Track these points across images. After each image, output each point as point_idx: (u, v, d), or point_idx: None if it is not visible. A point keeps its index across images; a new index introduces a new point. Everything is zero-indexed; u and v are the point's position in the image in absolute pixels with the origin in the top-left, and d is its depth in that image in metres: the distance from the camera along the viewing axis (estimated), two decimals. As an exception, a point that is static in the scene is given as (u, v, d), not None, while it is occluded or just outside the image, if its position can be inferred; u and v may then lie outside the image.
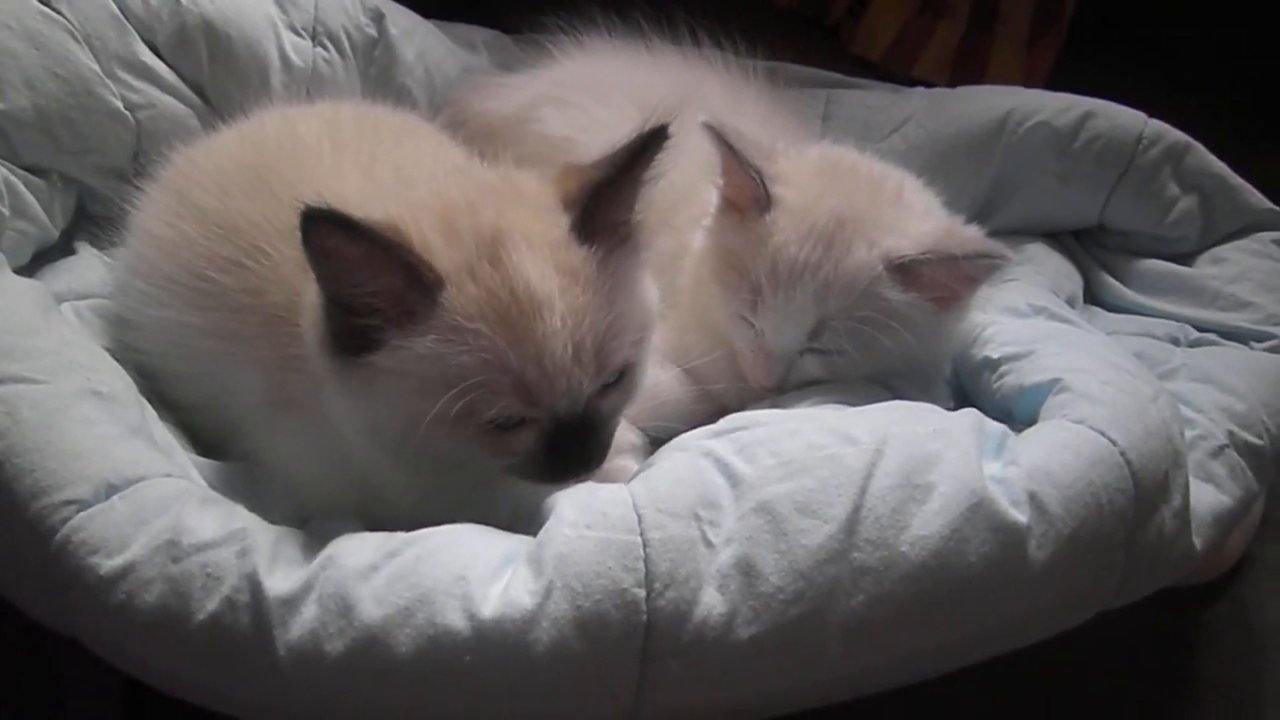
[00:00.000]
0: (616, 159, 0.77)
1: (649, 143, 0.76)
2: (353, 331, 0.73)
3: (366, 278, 0.71)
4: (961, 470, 0.76)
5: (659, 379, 0.99)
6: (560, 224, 0.76)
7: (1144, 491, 0.81)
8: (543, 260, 0.74)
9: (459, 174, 0.84)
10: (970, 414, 0.85)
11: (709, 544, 0.72)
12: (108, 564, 0.69)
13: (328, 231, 0.69)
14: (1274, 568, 1.15)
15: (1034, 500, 0.77)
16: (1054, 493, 0.77)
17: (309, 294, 0.77)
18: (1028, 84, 1.77)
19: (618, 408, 0.81)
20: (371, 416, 0.76)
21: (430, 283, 0.72)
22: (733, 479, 0.75)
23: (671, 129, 0.76)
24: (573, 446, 0.76)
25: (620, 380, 0.78)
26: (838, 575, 0.71)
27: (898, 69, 1.85)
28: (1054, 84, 1.76)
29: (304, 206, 0.68)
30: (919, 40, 1.86)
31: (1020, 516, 0.75)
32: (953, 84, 1.74)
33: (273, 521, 0.77)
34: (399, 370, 0.72)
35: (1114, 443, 0.81)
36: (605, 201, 0.77)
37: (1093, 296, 1.22)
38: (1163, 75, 1.71)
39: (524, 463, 0.77)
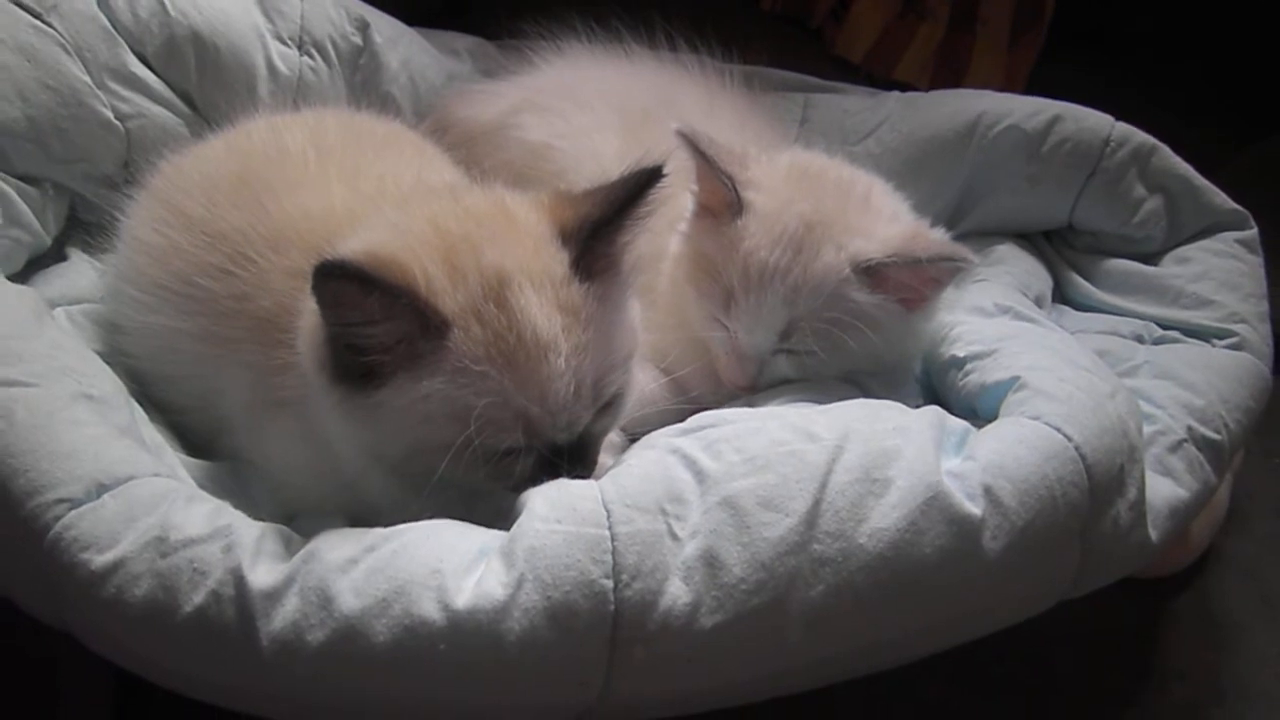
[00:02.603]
0: (613, 196, 0.79)
1: (646, 182, 0.79)
2: (358, 367, 0.75)
3: (375, 323, 0.73)
4: (919, 465, 0.79)
5: (638, 379, 1.02)
6: (560, 260, 0.79)
7: (1098, 485, 0.83)
8: (547, 301, 0.76)
9: (451, 199, 0.84)
10: (930, 411, 0.88)
11: (675, 537, 0.74)
12: (99, 560, 0.71)
13: (340, 284, 0.71)
14: (1238, 560, 1.18)
15: (989, 493, 0.79)
16: (1008, 486, 0.80)
17: (308, 318, 0.79)
18: (1008, 84, 1.81)
19: (608, 427, 0.85)
20: (372, 442, 0.79)
21: (437, 326, 0.74)
22: (699, 475, 0.78)
23: (666, 169, 0.79)
24: (566, 466, 0.79)
25: (610, 402, 0.82)
26: (798, 566, 0.74)
27: (880, 70, 1.88)
28: (1034, 85, 1.80)
29: (318, 261, 0.69)
30: (900, 42, 1.89)
31: (975, 509, 0.78)
32: (934, 85, 1.78)
33: (260, 519, 0.79)
34: (404, 406, 0.75)
35: (1069, 438, 0.84)
36: (602, 239, 0.80)
37: (1062, 295, 1.24)
38: (1139, 76, 1.75)
39: (519, 483, 0.79)
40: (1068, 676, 1.06)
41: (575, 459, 0.79)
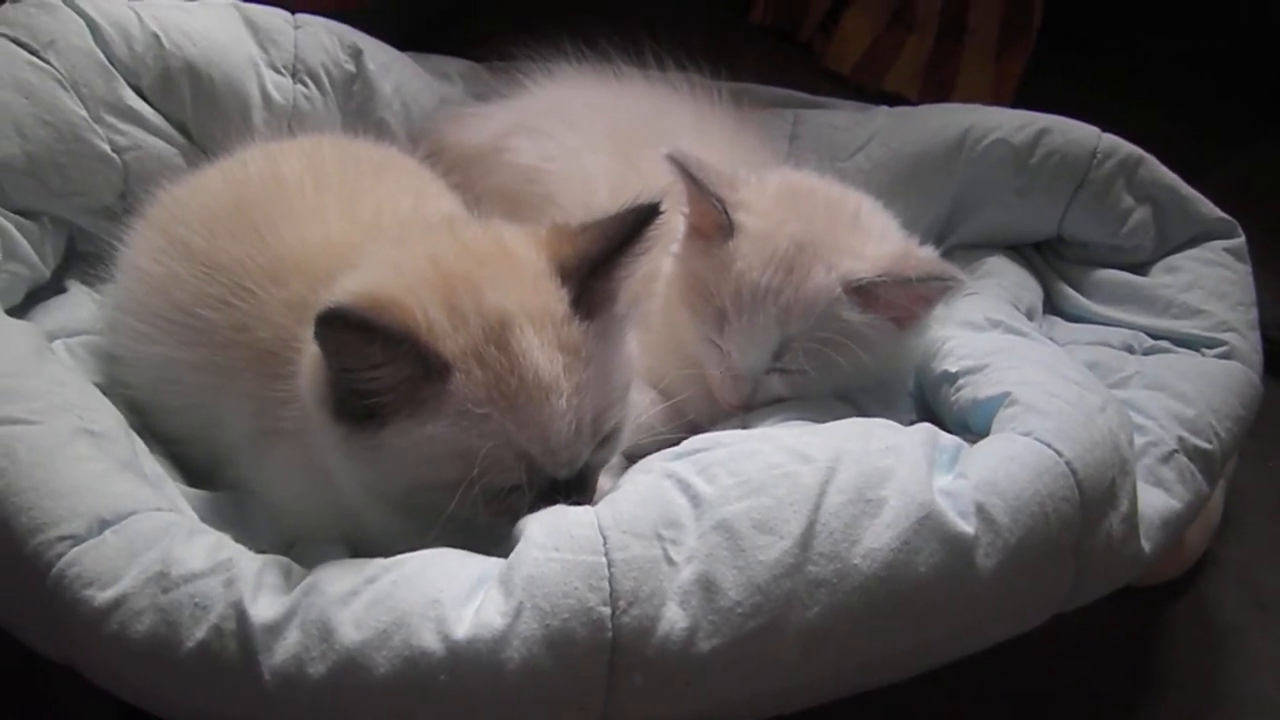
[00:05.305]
0: (611, 232, 0.80)
1: (644, 219, 0.79)
2: (360, 409, 0.75)
3: (377, 367, 0.73)
4: (911, 484, 0.80)
5: (634, 400, 1.02)
6: (560, 298, 0.79)
7: (1090, 499, 0.84)
8: (548, 342, 0.77)
9: (450, 235, 0.85)
10: (923, 429, 0.89)
11: (671, 562, 0.75)
12: (101, 596, 0.72)
13: (342, 332, 0.71)
14: (1233, 566, 1.19)
15: (981, 511, 0.80)
16: (1000, 503, 0.81)
17: (308, 357, 0.79)
18: (997, 94, 1.83)
19: (606, 459, 0.86)
20: (373, 480, 0.79)
21: (439, 369, 0.74)
22: (694, 499, 0.79)
23: (663, 206, 0.80)
24: (564, 498, 0.79)
25: (609, 435, 0.83)
26: (794, 588, 0.75)
27: (869, 82, 1.89)
28: (1023, 94, 1.81)
29: (321, 309, 0.70)
30: (890, 54, 1.90)
31: (967, 527, 0.79)
32: (923, 95, 1.81)
33: (260, 548, 0.80)
34: (406, 447, 0.75)
35: (1059, 454, 0.84)
36: (601, 276, 0.80)
37: (1053, 307, 1.25)
38: (1126, 84, 1.76)
39: (520, 517, 0.79)
40: (1066, 686, 1.06)
41: (574, 491, 0.80)
